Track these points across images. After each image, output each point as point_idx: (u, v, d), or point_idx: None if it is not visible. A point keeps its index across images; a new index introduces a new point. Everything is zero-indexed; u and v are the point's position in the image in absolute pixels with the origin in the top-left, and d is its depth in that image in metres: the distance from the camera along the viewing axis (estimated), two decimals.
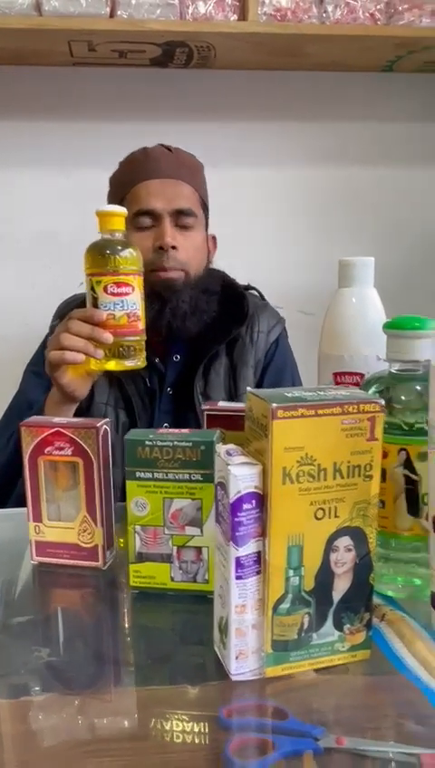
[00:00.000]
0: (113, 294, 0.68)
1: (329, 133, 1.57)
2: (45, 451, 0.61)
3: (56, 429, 0.60)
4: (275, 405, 0.43)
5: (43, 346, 1.01)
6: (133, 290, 0.69)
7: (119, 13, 1.30)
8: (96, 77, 1.49)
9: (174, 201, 0.91)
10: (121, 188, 0.96)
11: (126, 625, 0.58)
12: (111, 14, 1.30)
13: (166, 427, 0.93)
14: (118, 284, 0.68)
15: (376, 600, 0.54)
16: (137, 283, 0.69)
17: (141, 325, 0.71)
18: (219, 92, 1.53)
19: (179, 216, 0.92)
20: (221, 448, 0.47)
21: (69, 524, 0.62)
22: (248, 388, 0.47)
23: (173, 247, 0.90)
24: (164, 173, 0.93)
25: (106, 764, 0.40)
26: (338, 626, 0.46)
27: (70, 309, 1.20)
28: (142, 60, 1.45)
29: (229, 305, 0.96)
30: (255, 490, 0.44)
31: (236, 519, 0.44)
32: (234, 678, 0.46)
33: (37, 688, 0.48)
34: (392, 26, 1.38)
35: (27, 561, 0.64)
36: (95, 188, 1.52)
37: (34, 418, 0.64)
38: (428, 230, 1.62)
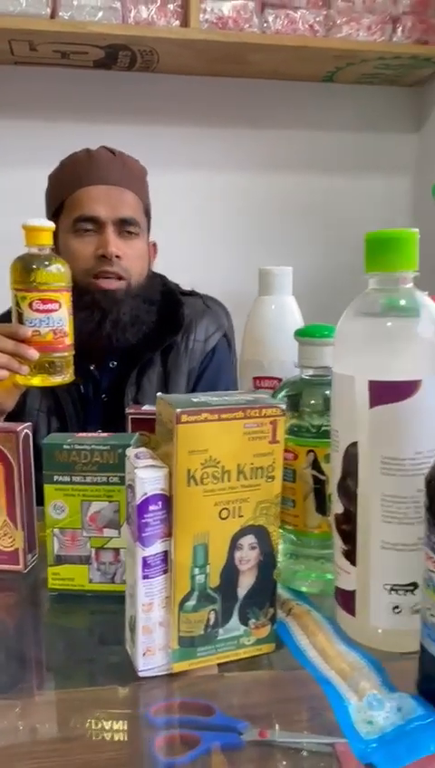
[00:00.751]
0: (39, 311, 0.67)
1: (270, 140, 1.60)
2: None
3: None
4: (179, 410, 0.44)
5: None
6: (60, 306, 0.68)
7: (60, 14, 1.30)
8: (38, 76, 1.48)
9: (118, 209, 0.91)
10: (63, 190, 0.94)
11: (47, 628, 0.59)
12: (53, 15, 1.30)
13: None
14: (44, 301, 0.67)
15: (286, 595, 0.56)
16: (64, 299, 0.69)
17: (69, 340, 0.70)
18: (162, 96, 1.54)
19: (123, 224, 0.91)
20: (131, 452, 0.48)
21: None
22: (158, 394, 0.49)
23: (117, 257, 0.89)
24: (109, 180, 0.92)
25: (32, 764, 0.41)
26: (243, 621, 0.48)
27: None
28: (85, 61, 1.45)
29: (167, 312, 0.97)
30: (161, 492, 0.46)
31: (142, 520, 0.45)
32: (141, 675, 0.47)
33: None
34: (331, 38, 1.43)
35: None
36: (34, 189, 1.51)
37: None
38: (355, 235, 1.67)
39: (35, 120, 1.50)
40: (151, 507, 0.45)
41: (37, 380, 0.70)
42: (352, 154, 1.64)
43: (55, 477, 0.56)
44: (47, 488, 0.57)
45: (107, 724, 0.45)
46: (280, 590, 0.57)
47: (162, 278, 1.03)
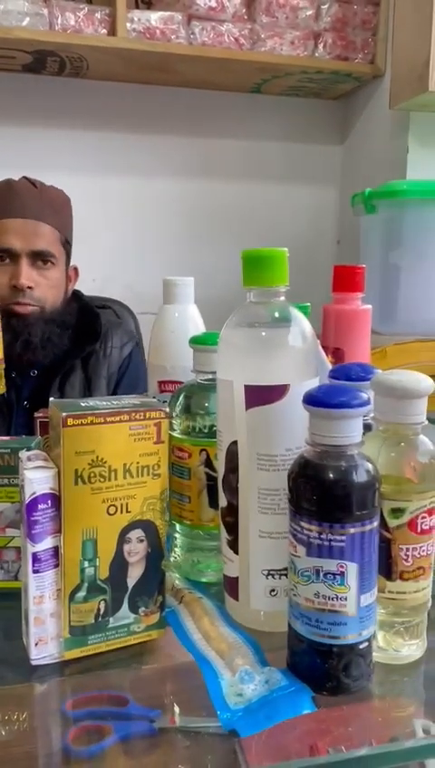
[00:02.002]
0: None
1: (198, 148, 1.64)
2: None
3: None
4: (65, 414, 0.47)
5: None
6: None
7: None
8: None
9: (32, 242, 0.96)
10: None
11: None
12: None
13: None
14: None
15: (181, 584, 0.60)
16: None
17: (0, 354, 0.74)
18: (92, 102, 1.56)
19: (37, 256, 0.96)
20: (23, 454, 0.51)
21: None
22: (51, 399, 0.52)
23: (29, 287, 0.95)
24: (26, 213, 0.96)
25: None
26: (133, 609, 0.52)
27: None
28: (14, 65, 1.45)
29: (84, 323, 1.04)
30: (50, 491, 0.49)
31: (31, 518, 0.48)
32: (34, 663, 0.50)
33: None
34: (256, 52, 1.48)
35: None
36: None
37: None
38: (284, 241, 1.73)
39: None
40: (40, 506, 0.48)
41: None
42: (280, 164, 1.70)
43: None
44: None
45: (21, 720, 0.47)
46: (177, 581, 0.61)
47: (78, 295, 1.10)
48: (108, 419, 0.49)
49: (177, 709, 0.46)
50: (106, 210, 1.60)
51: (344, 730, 0.44)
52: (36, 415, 0.69)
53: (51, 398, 0.52)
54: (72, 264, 1.09)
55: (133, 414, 0.50)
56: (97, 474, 0.49)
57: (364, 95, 1.61)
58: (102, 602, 0.51)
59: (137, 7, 1.47)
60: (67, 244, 1.05)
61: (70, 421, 0.48)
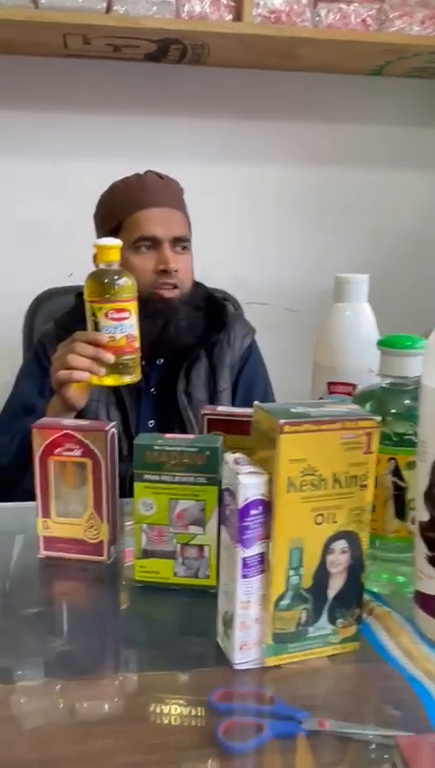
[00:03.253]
0: (113, 319, 0.75)
1: (317, 133, 1.60)
2: (55, 452, 0.64)
3: (66, 432, 0.63)
4: (282, 420, 0.47)
5: (35, 351, 1.06)
6: (130, 314, 0.76)
7: (115, 8, 1.31)
8: (89, 69, 1.49)
9: (172, 229, 1.00)
10: (118, 213, 1.02)
11: (130, 616, 0.62)
12: (108, 10, 1.31)
13: (151, 424, 1.01)
14: (117, 311, 0.75)
15: (365, 596, 0.59)
16: (133, 307, 0.76)
17: (137, 344, 0.78)
18: (211, 89, 1.55)
19: (176, 241, 1.00)
20: (229, 457, 0.51)
21: (76, 521, 0.65)
22: (256, 402, 0.51)
23: (175, 270, 0.99)
24: (161, 202, 1.01)
25: (105, 745, 0.44)
26: (332, 620, 0.51)
27: (47, 304, 1.24)
28: (136, 54, 1.46)
29: (210, 314, 1.06)
30: (261, 497, 0.48)
31: (243, 523, 0.48)
32: (237, 668, 0.50)
33: (46, 674, 0.52)
34: (383, 33, 1.42)
35: (33, 554, 0.68)
36: (83, 179, 1.53)
37: (45, 421, 0.67)
38: (405, 230, 1.67)
39: (85, 112, 1.52)
40: (252, 511, 0.48)
41: (110, 380, 0.78)
42: (400, 149, 1.63)
43: (145, 476, 0.59)
44: (137, 486, 0.60)
45: (175, 709, 0.48)
46: None
47: (202, 285, 1.12)
48: (322, 427, 0.48)
49: (326, 712, 0.45)
50: (217, 198, 1.59)
51: None
52: (204, 412, 0.69)
53: (255, 402, 0.51)
54: None
55: (346, 422, 0.48)
56: (308, 482, 0.48)
57: None
58: (304, 611, 0.50)
59: None
60: (191, 231, 1.09)
61: (287, 428, 0.47)
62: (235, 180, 1.58)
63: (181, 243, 1.01)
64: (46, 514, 0.66)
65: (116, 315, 0.75)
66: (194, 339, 1.01)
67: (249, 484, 0.48)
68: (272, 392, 1.11)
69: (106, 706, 0.49)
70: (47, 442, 0.64)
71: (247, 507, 0.48)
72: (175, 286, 0.99)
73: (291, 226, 1.62)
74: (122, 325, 0.75)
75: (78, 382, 0.78)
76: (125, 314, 0.75)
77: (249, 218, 1.61)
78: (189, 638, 0.58)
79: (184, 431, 0.98)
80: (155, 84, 1.53)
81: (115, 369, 0.76)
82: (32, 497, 0.86)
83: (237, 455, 0.51)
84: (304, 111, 1.59)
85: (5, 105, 1.48)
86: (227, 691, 0.49)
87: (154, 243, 0.99)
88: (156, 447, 0.59)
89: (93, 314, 0.76)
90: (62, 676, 0.51)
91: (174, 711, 0.48)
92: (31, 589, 0.64)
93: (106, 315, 0.75)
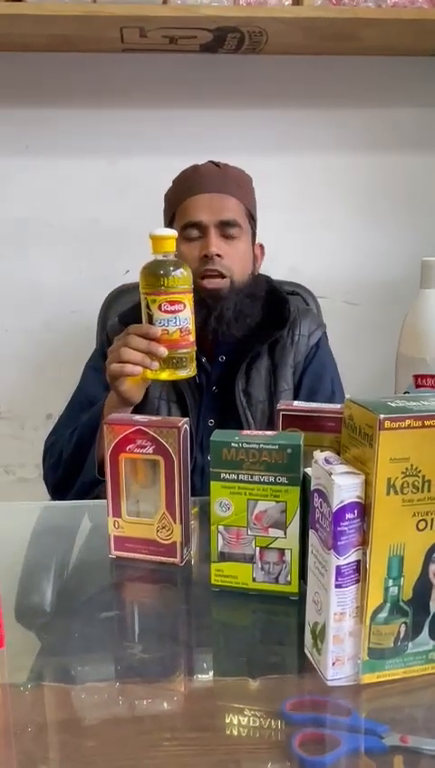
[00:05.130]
0: (167, 312, 0.72)
1: (377, 119, 1.53)
2: (127, 449, 0.62)
3: (138, 428, 0.61)
4: (382, 416, 0.42)
5: (101, 345, 1.06)
6: (185, 306, 0.73)
7: None
8: (145, 63, 1.47)
9: (219, 213, 0.96)
10: (173, 204, 1.00)
11: (206, 621, 0.59)
12: (165, 0, 1.28)
13: (211, 423, 0.98)
14: (171, 303, 0.72)
15: None
16: (188, 300, 0.74)
17: (192, 338, 0.75)
18: (268, 78, 1.50)
19: (224, 226, 0.96)
20: (319, 455, 0.47)
21: (148, 521, 0.63)
22: (348, 396, 0.47)
23: (218, 255, 0.95)
24: (211, 188, 0.97)
25: (175, 751, 0.42)
26: (434, 635, 0.46)
27: (120, 300, 1.22)
28: (192, 45, 1.43)
29: (272, 309, 1.01)
30: (357, 500, 0.44)
31: (338, 528, 0.44)
32: (329, 684, 0.46)
33: (119, 677, 0.50)
34: None
35: (97, 553, 0.66)
36: (140, 175, 1.51)
37: (116, 416, 0.65)
38: None
39: (141, 107, 1.50)
40: (348, 515, 0.44)
41: (165, 375, 0.75)
42: None
43: (222, 475, 0.56)
44: (213, 485, 0.57)
45: (248, 717, 0.45)
46: None
47: (267, 278, 1.07)
48: (426, 423, 0.43)
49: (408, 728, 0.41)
50: (274, 189, 1.54)
51: None
52: (279, 407, 0.66)
53: (348, 396, 0.47)
54: (258, 242, 1.07)
55: None
56: (410, 483, 0.44)
57: None
58: (403, 625, 0.46)
59: None
60: (252, 220, 1.04)
61: (388, 424, 0.42)
62: (292, 170, 1.54)
63: (231, 227, 0.96)
64: (117, 514, 0.63)
65: (170, 308, 0.72)
66: (243, 330, 0.97)
67: (344, 486, 0.44)
68: (341, 393, 1.04)
69: (174, 714, 0.47)
70: (118, 438, 0.62)
71: (342, 511, 0.44)
72: (221, 274, 0.95)
73: (349, 216, 1.56)
74: (176, 318, 0.72)
75: (130, 376, 0.76)
76: (179, 306, 0.73)
77: (306, 208, 1.56)
78: (269, 647, 0.55)
79: None
80: (211, 76, 1.50)
81: (169, 362, 0.74)
82: (88, 490, 0.86)
83: (327, 453, 0.47)
84: (364, 96, 1.53)
85: (62, 104, 1.47)
86: (301, 700, 0.45)
87: (201, 229, 0.96)
88: (233, 445, 0.56)
89: (147, 306, 0.73)
90: (135, 681, 0.50)
91: (247, 719, 0.45)
92: (103, 590, 0.62)
93: (160, 308, 0.72)
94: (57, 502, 0.92)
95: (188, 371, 0.75)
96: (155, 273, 0.72)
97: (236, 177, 1.02)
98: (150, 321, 0.73)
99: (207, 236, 0.95)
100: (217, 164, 1.02)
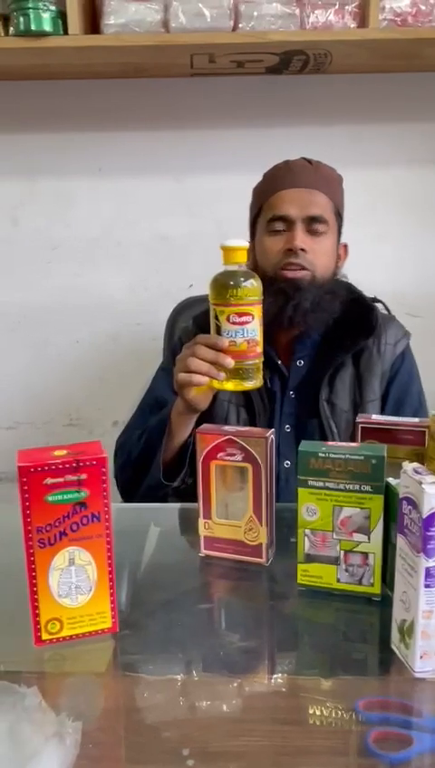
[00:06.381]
0: (235, 323, 0.73)
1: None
2: (217, 456, 0.67)
3: (228, 437, 0.66)
4: None
5: (171, 348, 1.09)
6: (253, 318, 0.73)
7: (241, 25, 1.34)
8: (212, 86, 1.54)
9: (307, 208, 0.96)
10: (261, 197, 1.01)
11: (291, 619, 0.64)
12: (234, 27, 1.35)
13: (287, 428, 0.98)
14: (239, 314, 0.73)
15: None
16: (256, 311, 0.74)
17: (259, 348, 0.76)
18: (332, 96, 1.55)
19: (311, 222, 0.96)
20: (408, 466, 0.51)
21: (236, 523, 0.68)
22: (433, 411, 0.51)
23: (302, 250, 0.94)
24: (301, 183, 0.98)
25: (252, 744, 0.46)
26: None
27: (188, 311, 1.26)
28: (258, 68, 1.49)
29: (357, 316, 0.99)
30: None
31: (428, 533, 0.48)
32: (417, 676, 0.50)
33: (205, 669, 0.54)
34: None
35: (189, 552, 0.71)
36: (204, 194, 1.58)
37: (208, 426, 0.70)
38: None
39: (208, 128, 1.57)
40: None
41: (231, 385, 0.76)
42: None
43: (309, 482, 0.61)
44: (301, 492, 0.61)
45: (324, 713, 0.49)
46: None
47: (350, 284, 1.06)
48: None
49: None
50: (346, 202, 1.58)
51: None
52: (358, 420, 0.70)
53: (432, 412, 0.51)
54: (343, 241, 1.06)
55: None
56: None
57: None
58: None
59: None
60: (339, 217, 1.04)
61: None
62: (355, 184, 1.57)
63: (318, 223, 0.96)
64: (208, 516, 0.69)
65: (238, 319, 0.73)
66: (320, 323, 0.96)
67: (434, 494, 0.48)
68: (425, 404, 1.02)
69: (254, 707, 0.50)
70: (210, 447, 0.67)
71: (432, 517, 0.48)
72: (303, 268, 0.94)
73: (412, 229, 1.59)
74: (244, 329, 0.73)
75: (198, 386, 0.77)
76: (247, 318, 0.73)
77: (369, 221, 1.59)
78: (353, 645, 0.59)
79: (324, 440, 0.95)
80: (276, 96, 1.55)
81: (236, 373, 0.74)
82: (154, 493, 0.88)
83: (415, 464, 0.51)
84: (425, 111, 1.55)
85: (134, 126, 1.56)
86: (375, 700, 0.49)
87: (287, 223, 0.95)
88: (320, 454, 0.60)
89: (216, 317, 0.74)
90: (221, 673, 0.54)
91: (324, 715, 0.48)
92: (195, 587, 0.68)
93: (228, 319, 0.73)
94: (127, 504, 0.95)
95: (255, 382, 0.76)
96: (225, 284, 0.73)
97: (327, 174, 1.02)
98: (218, 331, 0.74)
99: (293, 230, 0.95)
100: (308, 160, 1.02)
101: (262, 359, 0.77)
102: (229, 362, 0.74)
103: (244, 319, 0.73)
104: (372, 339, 0.98)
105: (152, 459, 0.88)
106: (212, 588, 0.69)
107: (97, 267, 1.59)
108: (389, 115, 1.55)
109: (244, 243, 0.75)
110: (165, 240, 1.60)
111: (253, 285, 0.73)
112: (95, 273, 1.59)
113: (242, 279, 0.73)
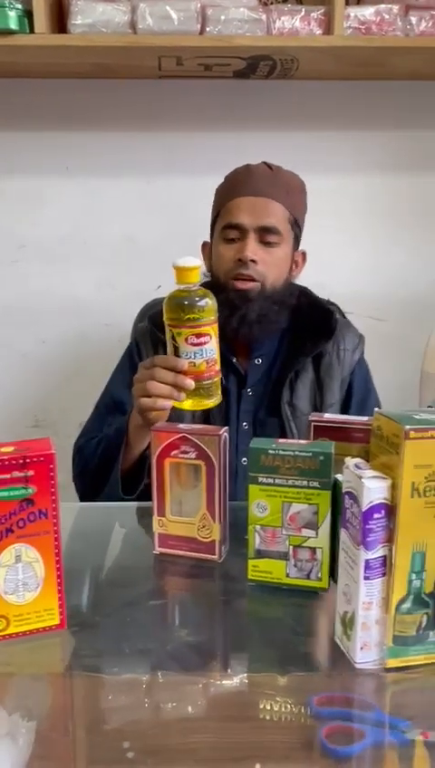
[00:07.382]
0: (193, 345, 0.72)
1: (404, 142, 1.58)
2: (171, 454, 0.68)
3: (182, 435, 0.67)
4: (408, 426, 0.48)
5: (129, 349, 1.09)
6: (211, 338, 0.73)
7: (208, 29, 1.36)
8: (180, 88, 1.55)
9: (261, 218, 0.96)
10: (219, 201, 1.02)
11: (241, 615, 0.64)
12: (202, 31, 1.36)
13: (245, 425, 0.98)
14: (197, 335, 0.72)
15: None
16: (213, 330, 0.73)
17: (217, 366, 0.75)
18: (299, 102, 1.57)
19: (264, 232, 0.96)
20: (350, 462, 0.52)
21: (190, 520, 0.69)
22: (376, 410, 0.53)
23: (253, 261, 0.95)
24: (259, 191, 0.98)
25: (206, 740, 0.46)
26: None
27: (152, 312, 1.24)
28: (226, 72, 1.50)
29: (316, 320, 1.01)
30: (384, 501, 0.49)
31: (367, 526, 0.49)
32: (358, 667, 0.51)
33: (154, 668, 0.55)
34: None
35: (146, 550, 0.72)
36: (174, 195, 1.58)
37: (162, 424, 0.71)
38: None
39: (176, 130, 1.58)
40: (376, 515, 0.49)
41: (188, 404, 0.75)
42: None
43: (260, 479, 0.62)
44: (252, 488, 0.62)
45: (276, 709, 0.49)
46: None
47: (305, 289, 1.07)
48: None
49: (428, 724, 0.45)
50: (310, 208, 1.60)
51: None
52: (311, 418, 0.71)
53: (376, 410, 0.52)
54: (301, 249, 1.08)
55: None
56: (432, 487, 0.49)
57: None
58: (425, 616, 0.51)
59: (347, 4, 1.45)
60: (296, 227, 1.04)
61: (413, 434, 0.48)
62: (321, 190, 1.59)
63: (271, 234, 0.96)
64: (162, 513, 0.69)
65: (196, 340, 0.72)
66: (264, 333, 0.97)
67: (373, 488, 0.49)
68: (380, 404, 1.05)
69: (209, 704, 0.51)
70: (164, 444, 0.68)
71: (371, 510, 0.49)
72: (253, 279, 0.95)
73: (377, 235, 1.62)
74: (203, 350, 0.72)
75: (161, 410, 0.76)
76: (205, 339, 0.72)
77: (334, 227, 1.61)
78: (299, 638, 0.60)
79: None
80: (244, 100, 1.57)
81: (195, 392, 0.73)
82: (112, 501, 0.87)
83: (357, 459, 0.53)
84: (393, 119, 1.58)
85: (102, 127, 1.56)
86: (328, 696, 0.50)
87: (241, 231, 0.96)
88: (270, 451, 0.61)
89: (173, 338, 0.73)
90: (171, 670, 0.54)
91: (275, 711, 0.49)
92: (148, 585, 0.68)
93: (186, 340, 0.72)
94: (89, 503, 0.94)
95: (215, 399, 0.75)
96: (180, 304, 0.71)
97: (287, 182, 1.02)
98: (176, 352, 0.73)
99: (245, 240, 0.95)
100: (269, 166, 1.02)
101: (220, 376, 0.77)
102: (190, 384, 0.73)
103: (202, 339, 0.72)
104: (332, 343, 1.01)
105: (111, 471, 0.88)
106: (166, 585, 0.69)
107: (65, 267, 1.58)
108: (354, 122, 1.58)
109: (196, 262, 0.73)
110: (134, 241, 1.60)
111: (208, 305, 0.72)
112: (63, 273, 1.58)
113: (197, 300, 0.72)
